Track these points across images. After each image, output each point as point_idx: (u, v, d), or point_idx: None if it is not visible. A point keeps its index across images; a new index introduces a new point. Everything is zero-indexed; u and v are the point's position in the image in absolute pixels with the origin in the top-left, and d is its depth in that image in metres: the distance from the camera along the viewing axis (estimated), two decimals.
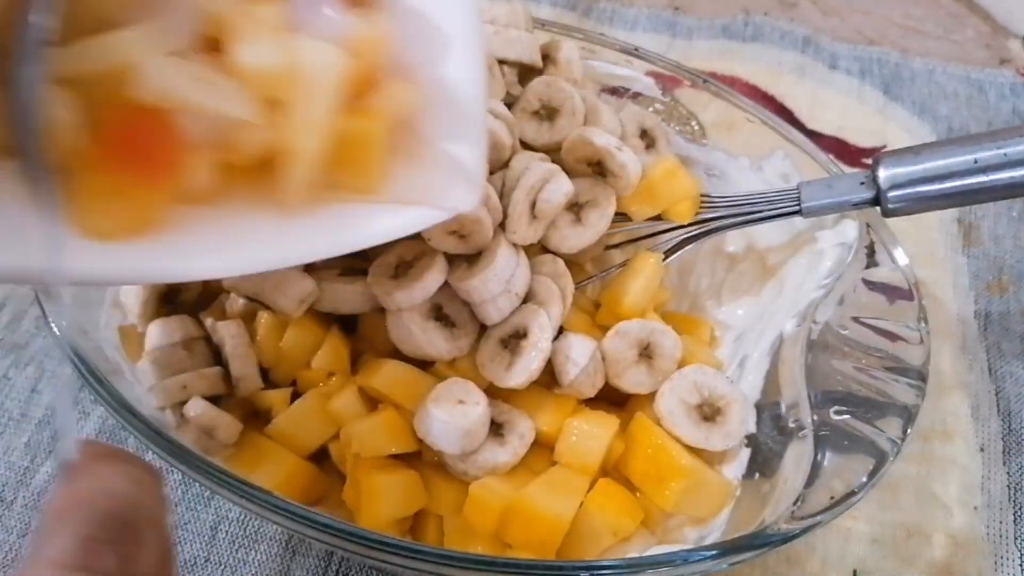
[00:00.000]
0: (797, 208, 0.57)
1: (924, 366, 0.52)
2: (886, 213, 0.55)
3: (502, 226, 0.55)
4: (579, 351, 0.53)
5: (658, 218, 0.61)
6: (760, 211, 0.59)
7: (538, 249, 0.58)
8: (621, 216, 0.59)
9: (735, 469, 0.55)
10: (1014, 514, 0.61)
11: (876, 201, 0.55)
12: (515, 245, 0.54)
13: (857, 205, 0.56)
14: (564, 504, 0.50)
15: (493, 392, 0.53)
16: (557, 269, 0.56)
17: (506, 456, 0.51)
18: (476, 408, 0.50)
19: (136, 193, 0.38)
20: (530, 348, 0.52)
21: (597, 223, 0.56)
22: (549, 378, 0.54)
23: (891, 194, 0.54)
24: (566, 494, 0.50)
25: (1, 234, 0.35)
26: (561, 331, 0.55)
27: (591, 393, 0.55)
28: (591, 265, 0.62)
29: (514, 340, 0.53)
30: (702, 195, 0.61)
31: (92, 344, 0.52)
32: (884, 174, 0.54)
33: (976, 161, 0.52)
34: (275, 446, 0.53)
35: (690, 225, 0.60)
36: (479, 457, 0.50)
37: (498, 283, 0.52)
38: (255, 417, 0.55)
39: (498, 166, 0.55)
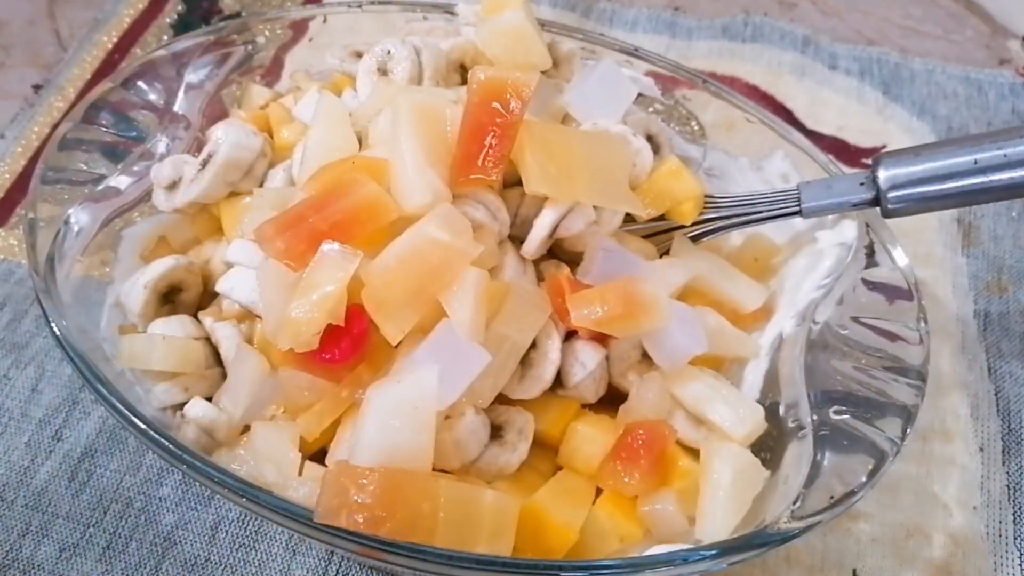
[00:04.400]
0: (797, 209, 0.58)
1: (924, 366, 0.52)
2: (886, 214, 0.55)
3: (511, 238, 0.55)
4: (588, 355, 0.53)
5: (662, 218, 0.61)
6: (760, 212, 0.59)
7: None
8: (626, 217, 0.59)
9: None
10: (1013, 514, 0.61)
11: (876, 202, 0.55)
12: (523, 257, 0.55)
13: (857, 206, 0.56)
14: (574, 513, 0.50)
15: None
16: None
17: (508, 455, 0.51)
18: (461, 420, 0.50)
19: None
20: (541, 359, 0.52)
21: (611, 220, 0.56)
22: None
23: (891, 195, 0.54)
24: (575, 502, 0.50)
25: None
26: (570, 335, 0.54)
27: (593, 399, 0.55)
28: None
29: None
30: (705, 195, 0.61)
31: (92, 344, 0.52)
32: (884, 175, 0.54)
33: (976, 162, 0.52)
34: None
35: (693, 225, 0.60)
36: (481, 464, 0.50)
37: None
38: None
39: (513, 180, 0.55)
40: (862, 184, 0.55)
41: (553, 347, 0.52)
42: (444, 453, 0.49)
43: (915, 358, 0.52)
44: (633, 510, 0.52)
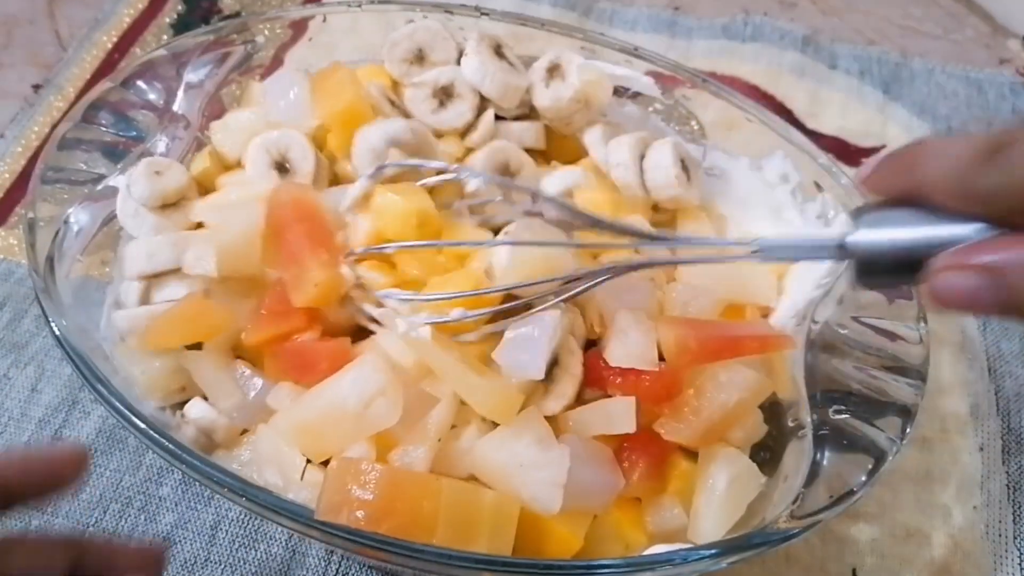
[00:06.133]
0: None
1: (923, 365, 0.52)
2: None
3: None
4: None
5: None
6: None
7: None
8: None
9: None
10: (1013, 513, 0.61)
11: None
12: None
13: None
14: (578, 521, 0.49)
15: None
16: None
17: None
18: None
19: None
20: (563, 375, 0.51)
21: None
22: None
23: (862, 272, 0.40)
24: (578, 512, 0.49)
25: None
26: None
27: None
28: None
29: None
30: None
31: (92, 344, 0.52)
32: (856, 239, 0.39)
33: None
34: None
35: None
36: None
37: None
38: None
39: None
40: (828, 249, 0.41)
41: (575, 362, 0.52)
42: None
43: (915, 358, 0.52)
44: (639, 517, 0.52)
